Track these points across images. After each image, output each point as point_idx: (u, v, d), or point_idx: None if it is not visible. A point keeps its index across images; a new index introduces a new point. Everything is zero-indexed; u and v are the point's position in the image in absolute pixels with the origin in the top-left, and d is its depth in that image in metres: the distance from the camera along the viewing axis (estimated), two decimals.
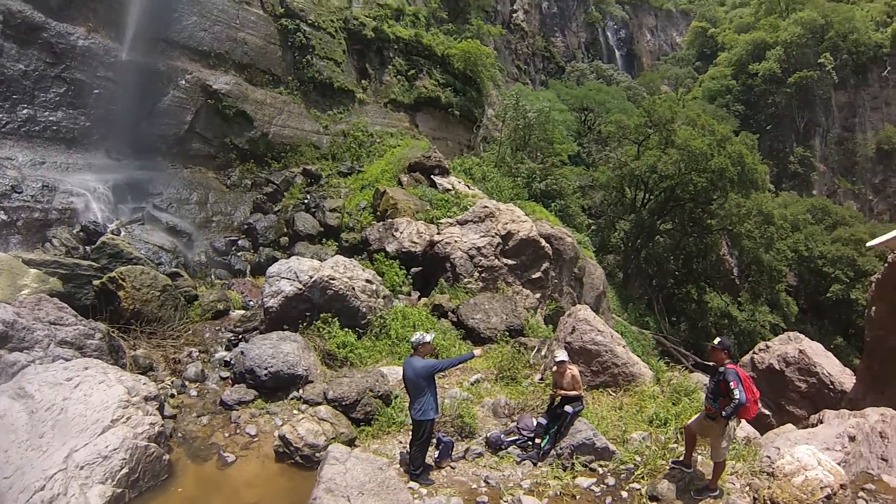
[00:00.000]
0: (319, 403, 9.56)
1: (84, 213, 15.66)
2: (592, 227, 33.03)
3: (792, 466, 7.42)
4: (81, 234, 15.03)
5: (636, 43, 72.65)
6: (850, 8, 54.72)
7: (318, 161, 21.80)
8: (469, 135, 30.00)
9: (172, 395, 9.99)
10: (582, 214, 30.46)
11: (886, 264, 12.12)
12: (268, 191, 19.87)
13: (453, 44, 29.24)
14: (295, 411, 9.65)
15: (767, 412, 14.34)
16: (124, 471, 7.37)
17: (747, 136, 34.95)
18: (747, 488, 7.68)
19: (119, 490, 7.24)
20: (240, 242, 18.02)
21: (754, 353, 16.36)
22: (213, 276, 16.44)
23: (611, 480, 8.17)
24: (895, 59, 51.69)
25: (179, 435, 9.04)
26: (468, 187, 20.34)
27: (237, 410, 9.72)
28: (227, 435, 9.14)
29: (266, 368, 10.15)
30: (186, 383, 10.53)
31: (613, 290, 28.18)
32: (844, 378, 14.18)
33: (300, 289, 11.75)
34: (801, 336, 16.20)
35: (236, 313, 13.64)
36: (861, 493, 7.47)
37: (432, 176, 20.10)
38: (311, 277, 11.85)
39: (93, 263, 13.04)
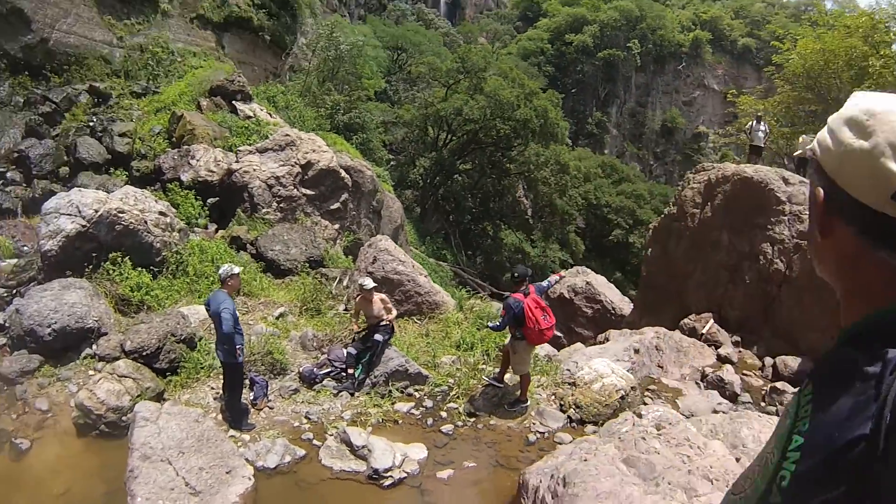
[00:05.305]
0: (117, 358, 8.43)
1: None
2: (392, 163, 33.32)
3: (591, 376, 8.75)
4: None
5: None
6: (664, 9, 64.16)
7: (109, 78, 18.43)
8: (277, 62, 27.96)
9: None
10: (383, 149, 30.56)
11: (661, 216, 14.44)
12: (45, 110, 16.29)
13: None
14: (91, 371, 8.42)
15: (560, 334, 16.38)
16: None
17: (553, 94, 37.52)
18: (553, 397, 8.81)
19: None
20: (8, 175, 14.72)
21: None
22: None
23: (429, 403, 8.67)
24: (690, 59, 62.82)
25: None
26: (270, 115, 19.18)
27: (21, 384, 8.12)
28: (14, 416, 7.66)
29: (49, 326, 8.59)
30: None
31: (411, 224, 28.87)
32: (623, 305, 16.80)
33: (84, 225, 10.07)
34: (588, 270, 18.66)
35: (6, 263, 11.29)
36: (647, 393, 9.11)
37: (234, 102, 18.55)
38: (96, 212, 10.22)
39: None
